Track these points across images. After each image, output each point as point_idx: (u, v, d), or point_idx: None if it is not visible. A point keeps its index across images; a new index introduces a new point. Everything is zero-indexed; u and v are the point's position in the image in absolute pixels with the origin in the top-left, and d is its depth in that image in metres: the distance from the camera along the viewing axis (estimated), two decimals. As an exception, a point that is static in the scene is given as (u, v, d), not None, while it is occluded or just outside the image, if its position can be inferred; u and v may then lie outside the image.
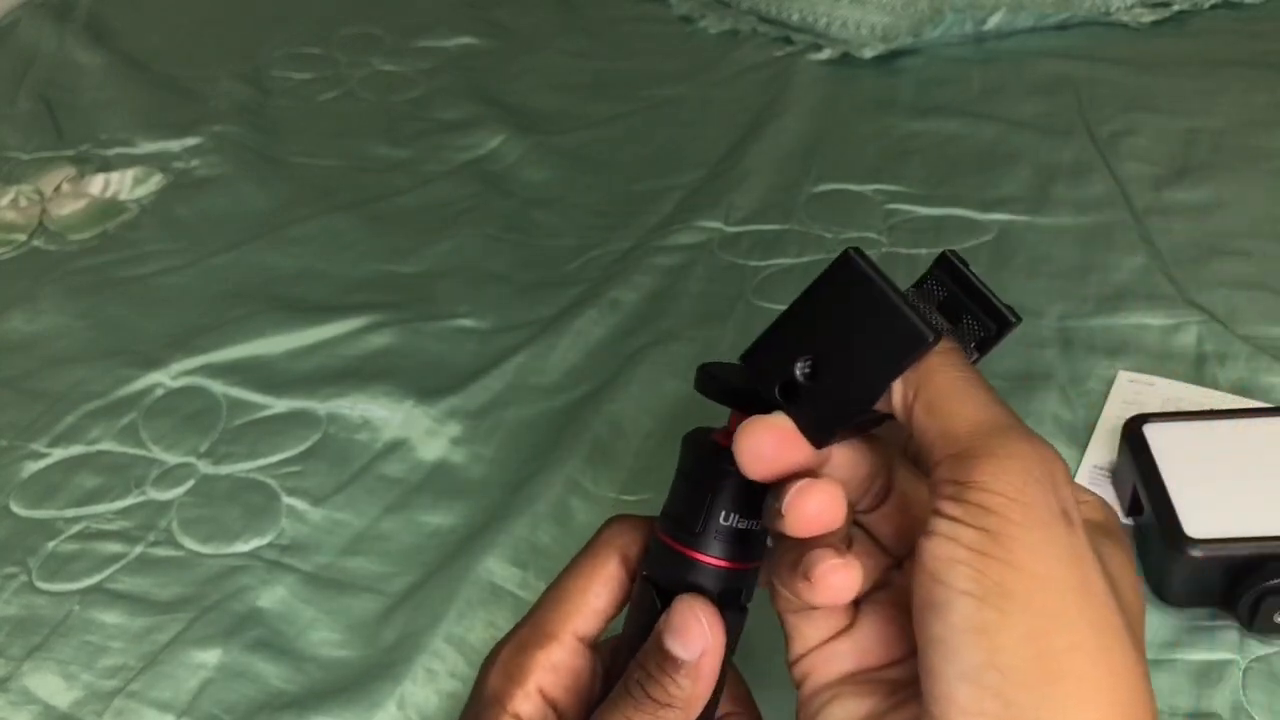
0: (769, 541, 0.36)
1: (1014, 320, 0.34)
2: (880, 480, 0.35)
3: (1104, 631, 0.28)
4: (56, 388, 0.73)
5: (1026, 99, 0.93)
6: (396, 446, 0.67)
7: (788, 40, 1.05)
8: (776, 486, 0.33)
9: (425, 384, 0.70)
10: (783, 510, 0.32)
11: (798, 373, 0.32)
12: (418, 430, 0.68)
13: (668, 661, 0.33)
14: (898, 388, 0.31)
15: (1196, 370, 0.65)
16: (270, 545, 0.62)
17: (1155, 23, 1.00)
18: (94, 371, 0.74)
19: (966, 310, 0.34)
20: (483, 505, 0.63)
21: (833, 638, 0.35)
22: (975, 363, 0.34)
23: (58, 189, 0.93)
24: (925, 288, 0.35)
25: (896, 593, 0.35)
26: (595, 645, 0.38)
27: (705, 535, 0.34)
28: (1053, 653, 0.27)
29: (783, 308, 0.33)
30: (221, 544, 0.62)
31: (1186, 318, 0.68)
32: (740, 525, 0.34)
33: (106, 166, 0.95)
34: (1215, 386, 0.63)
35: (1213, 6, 1.01)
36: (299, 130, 1.00)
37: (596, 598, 0.37)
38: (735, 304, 0.74)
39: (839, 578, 0.31)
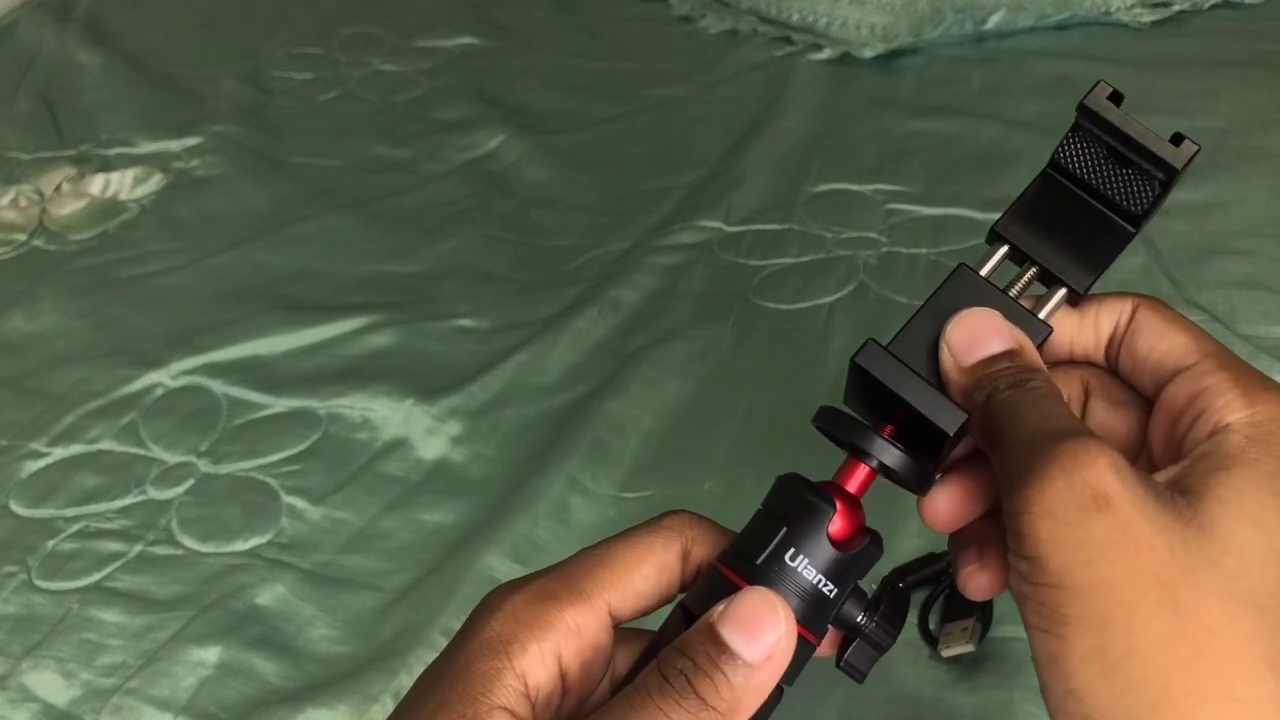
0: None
1: (1179, 165, 0.32)
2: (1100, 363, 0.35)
3: (1161, 614, 0.26)
4: (56, 388, 0.73)
5: (1026, 99, 0.93)
6: (396, 446, 0.67)
7: (788, 40, 1.05)
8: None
9: (425, 384, 0.70)
10: (920, 506, 0.33)
11: None
12: (418, 429, 0.68)
13: (724, 655, 0.27)
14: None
15: (1196, 369, 0.64)
16: (270, 544, 0.62)
17: (1155, 23, 1.00)
18: (94, 371, 0.74)
19: (1128, 160, 0.33)
20: (483, 503, 0.63)
21: None
22: (1155, 205, 0.33)
23: (58, 189, 0.93)
24: (1073, 143, 0.33)
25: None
26: (618, 630, 0.32)
27: (764, 569, 0.29)
28: (1115, 664, 0.26)
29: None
30: (221, 542, 0.62)
31: (1187, 317, 0.68)
32: (808, 575, 0.30)
33: (106, 166, 0.95)
34: (1215, 386, 0.63)
35: (1213, 6, 1.01)
36: (299, 130, 1.00)
37: (644, 579, 0.31)
38: (735, 304, 0.74)
39: (976, 582, 0.32)
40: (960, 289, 0.33)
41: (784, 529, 0.30)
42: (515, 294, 0.78)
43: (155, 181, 0.94)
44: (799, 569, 0.30)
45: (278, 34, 1.13)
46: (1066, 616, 0.26)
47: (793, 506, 0.30)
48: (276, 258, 0.84)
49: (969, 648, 0.50)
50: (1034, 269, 0.34)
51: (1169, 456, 0.30)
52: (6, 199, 0.93)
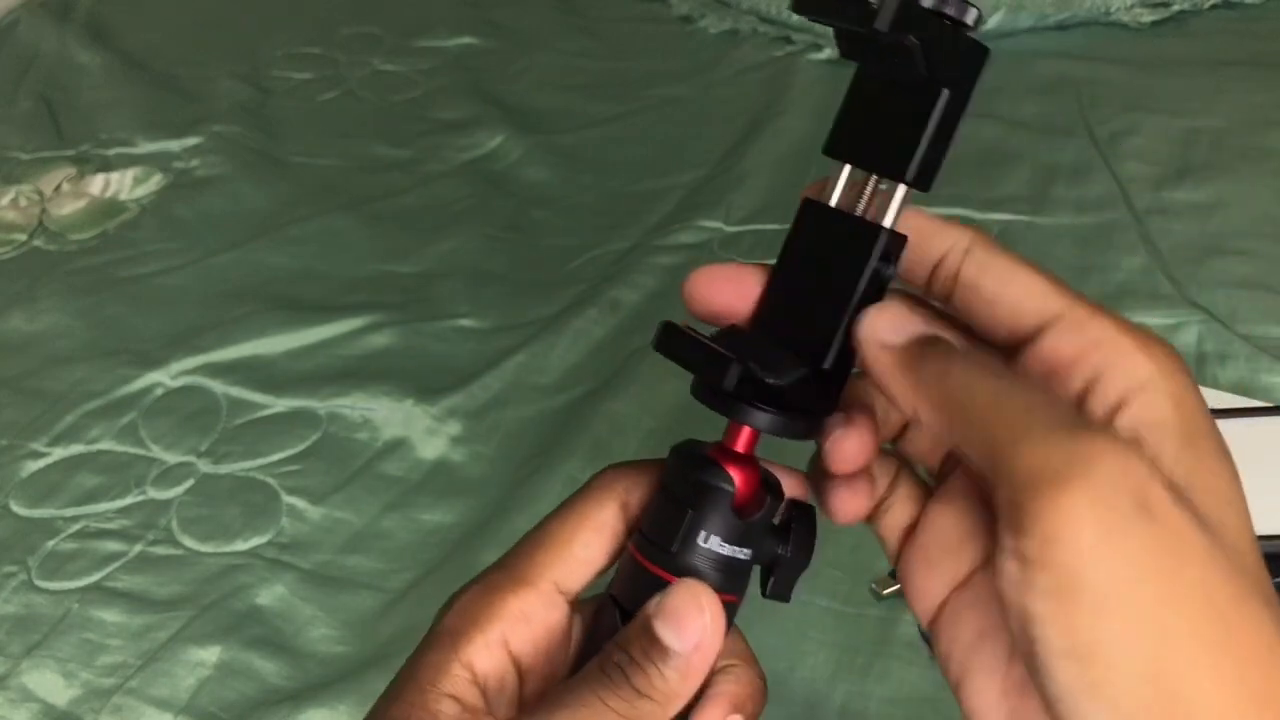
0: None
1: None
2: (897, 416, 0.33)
3: (1213, 621, 0.24)
4: (56, 387, 0.73)
5: (1026, 99, 0.93)
6: (396, 445, 0.67)
7: (788, 40, 1.05)
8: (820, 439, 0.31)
9: (425, 384, 0.70)
10: (826, 450, 0.31)
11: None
12: (417, 429, 0.68)
13: (655, 649, 0.29)
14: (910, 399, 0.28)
15: (1197, 370, 0.65)
16: (270, 544, 0.62)
17: (1155, 23, 1.00)
18: (94, 371, 0.74)
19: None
20: (483, 503, 0.63)
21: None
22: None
23: (58, 189, 0.93)
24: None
25: (956, 489, 0.31)
26: (575, 602, 0.33)
27: (681, 556, 0.31)
28: (1169, 681, 0.24)
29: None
30: (221, 542, 0.62)
31: (1186, 317, 0.68)
32: (722, 551, 0.31)
33: (106, 166, 0.95)
34: (1215, 386, 0.63)
35: (1213, 6, 1.01)
36: (299, 130, 1.00)
37: (584, 547, 0.32)
38: (735, 303, 0.74)
39: (851, 508, 0.32)
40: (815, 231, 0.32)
41: (689, 514, 0.31)
42: (515, 294, 0.78)
43: (155, 181, 0.94)
44: (712, 548, 0.31)
45: (278, 34, 1.13)
46: (1113, 641, 0.24)
47: (692, 490, 0.31)
48: (276, 258, 0.84)
49: (969, 648, 0.50)
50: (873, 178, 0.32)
51: None
52: (6, 199, 0.93)
